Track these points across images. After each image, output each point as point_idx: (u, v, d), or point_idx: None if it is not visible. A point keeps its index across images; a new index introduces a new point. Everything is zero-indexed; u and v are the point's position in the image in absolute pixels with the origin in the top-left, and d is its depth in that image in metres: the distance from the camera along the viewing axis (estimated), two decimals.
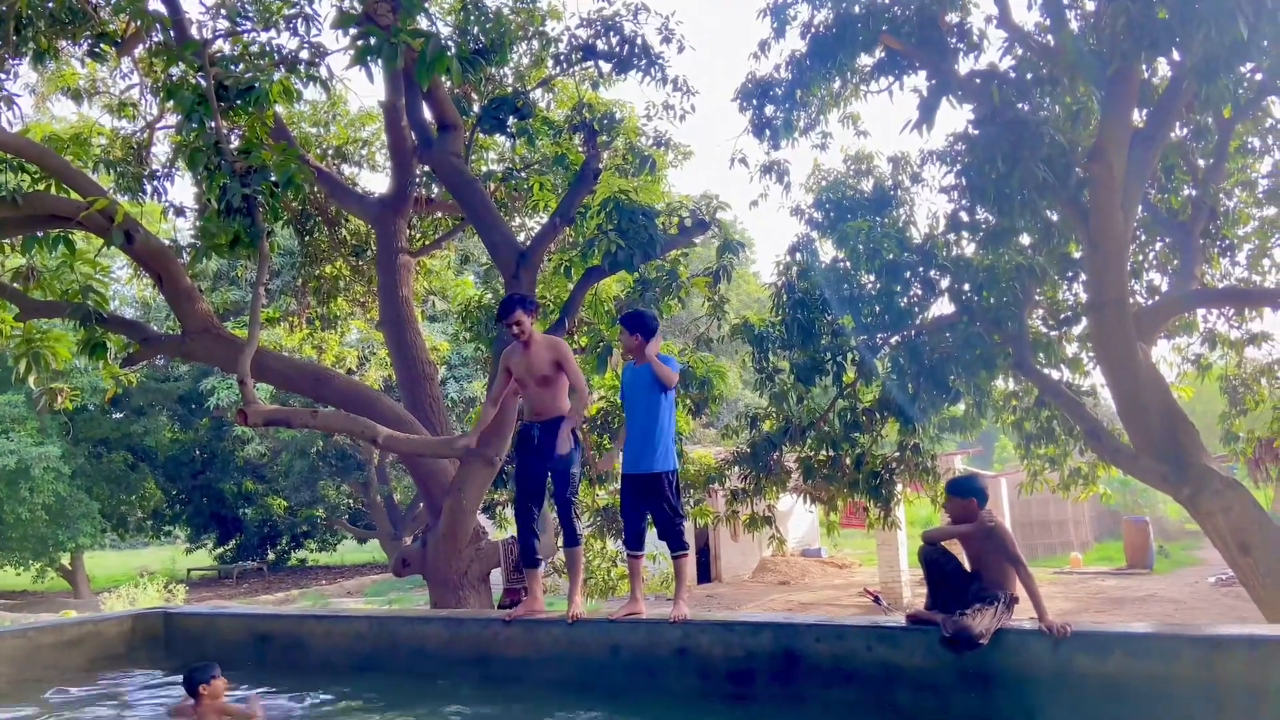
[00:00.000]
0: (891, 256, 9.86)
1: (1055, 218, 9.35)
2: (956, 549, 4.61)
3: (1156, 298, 10.91)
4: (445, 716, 4.99)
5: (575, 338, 9.36)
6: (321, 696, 5.45)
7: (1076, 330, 10.96)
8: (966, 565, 4.56)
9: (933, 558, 4.50)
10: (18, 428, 22.72)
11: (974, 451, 23.93)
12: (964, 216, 9.90)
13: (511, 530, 10.31)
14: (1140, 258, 11.17)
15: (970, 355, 9.76)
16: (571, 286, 8.00)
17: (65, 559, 26.54)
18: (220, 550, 34.30)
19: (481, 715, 5.01)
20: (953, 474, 13.57)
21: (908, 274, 10.28)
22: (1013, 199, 8.54)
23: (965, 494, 4.51)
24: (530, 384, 5.44)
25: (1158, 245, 11.26)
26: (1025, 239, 9.95)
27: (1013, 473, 22.97)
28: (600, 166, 7.27)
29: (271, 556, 34.42)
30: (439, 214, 10.76)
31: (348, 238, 11.66)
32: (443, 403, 9.10)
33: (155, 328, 10.45)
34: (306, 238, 11.67)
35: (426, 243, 10.97)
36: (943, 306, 11.86)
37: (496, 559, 8.03)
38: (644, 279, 8.48)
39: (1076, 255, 10.01)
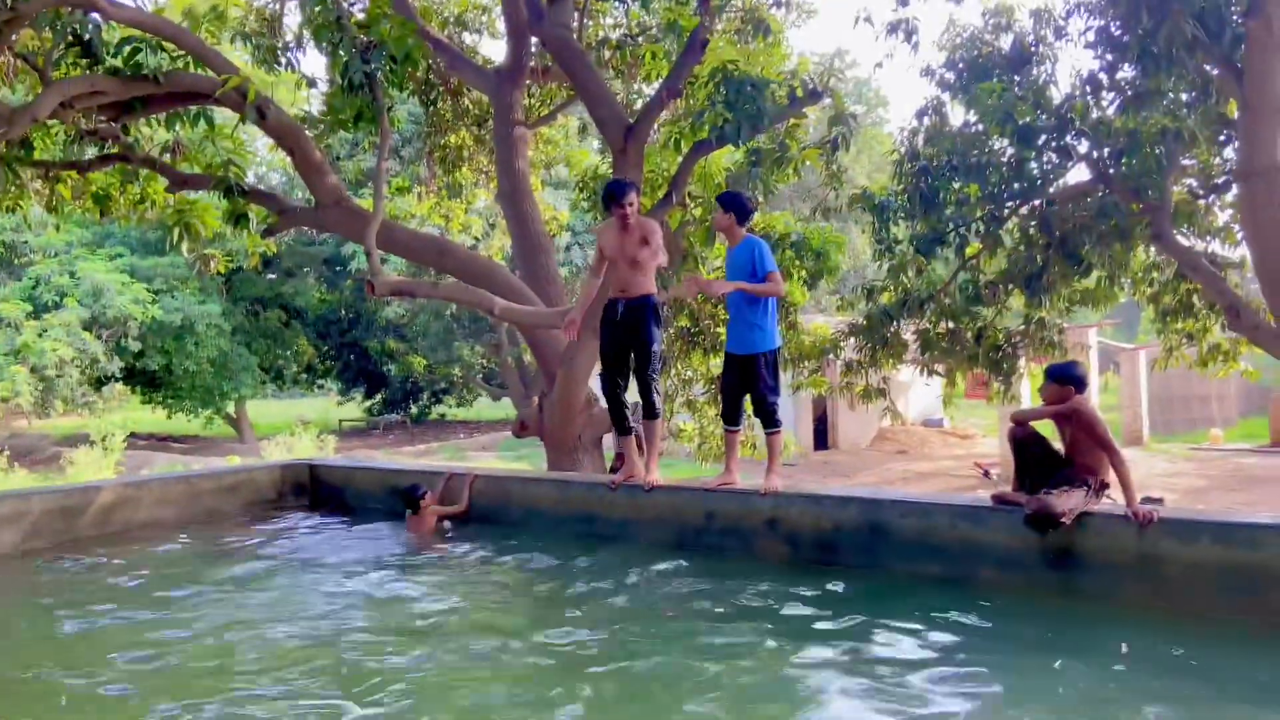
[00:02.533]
0: (1027, 120, 9.36)
1: (1214, 72, 8.64)
2: (1053, 434, 4.61)
3: None
4: (557, 561, 5.41)
5: (688, 210, 9.38)
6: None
7: (1229, 197, 10.24)
8: (1061, 450, 4.56)
9: (1021, 439, 4.52)
10: (181, 287, 24.53)
11: (1113, 323, 22.92)
12: (1104, 78, 9.23)
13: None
14: None
15: (1105, 225, 9.34)
16: (680, 160, 7.97)
17: (230, 408, 28.92)
18: (368, 403, 36.66)
19: (588, 561, 5.41)
20: (1082, 349, 13.17)
21: (1043, 139, 9.76)
22: (1159, 57, 7.94)
23: (1062, 380, 4.48)
24: (621, 263, 5.57)
25: None
26: (1177, 98, 9.25)
27: (1153, 346, 21.99)
28: (708, 36, 7.09)
29: (414, 411, 36.60)
30: (554, 85, 10.75)
31: (470, 107, 11.81)
32: (558, 274, 9.35)
33: (296, 199, 11.01)
34: (431, 107, 11.89)
35: (543, 114, 11.03)
36: (1079, 174, 11.26)
37: (608, 425, 8.36)
38: (755, 150, 8.35)
39: (1235, 116, 9.26)
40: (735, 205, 5.47)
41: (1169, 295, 10.92)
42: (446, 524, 6.40)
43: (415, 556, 5.76)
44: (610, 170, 8.88)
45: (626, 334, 5.55)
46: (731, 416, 5.71)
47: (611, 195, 5.47)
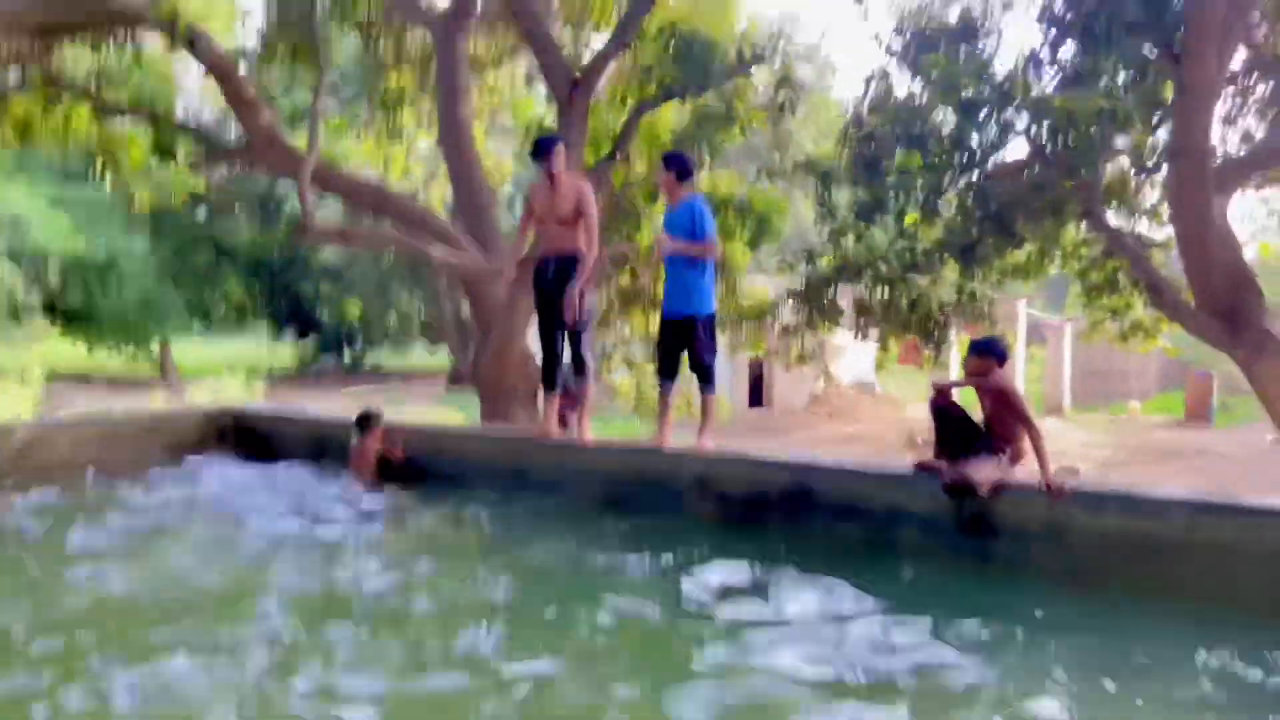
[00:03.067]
0: (970, 92, 9.47)
1: (1152, 54, 8.81)
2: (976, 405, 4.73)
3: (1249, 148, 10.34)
4: (490, 516, 5.42)
5: (632, 168, 9.32)
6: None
7: (1159, 178, 10.52)
8: (980, 421, 4.68)
9: (941, 407, 4.64)
10: (106, 220, 23.62)
11: (1041, 296, 23.50)
12: (1046, 55, 9.36)
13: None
14: (1237, 104, 10.50)
15: (1039, 201, 9.52)
16: (626, 116, 7.91)
17: (155, 347, 28.18)
18: (301, 344, 35.95)
19: (516, 515, 5.43)
20: (1011, 320, 13.50)
21: (984, 112, 9.88)
22: (1100, 37, 8.09)
23: (984, 353, 4.58)
24: (550, 222, 5.57)
25: (1260, 90, 10.56)
26: (1116, 79, 9.43)
27: (1079, 320, 22.61)
28: None
29: (348, 358, 36.00)
30: (502, 26, 10.53)
31: (413, 50, 11.52)
32: (497, 225, 9.25)
33: (228, 135, 10.66)
34: (372, 46, 11.56)
35: (489, 60, 10.81)
36: (1018, 150, 11.44)
37: None
38: (702, 109, 8.32)
39: (1170, 98, 9.48)
40: (677, 164, 5.46)
41: (1096, 272, 11.22)
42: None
43: (336, 507, 5.70)
44: (556, 122, 8.78)
45: (558, 291, 5.54)
46: (666, 371, 5.73)
47: (538, 151, 5.42)
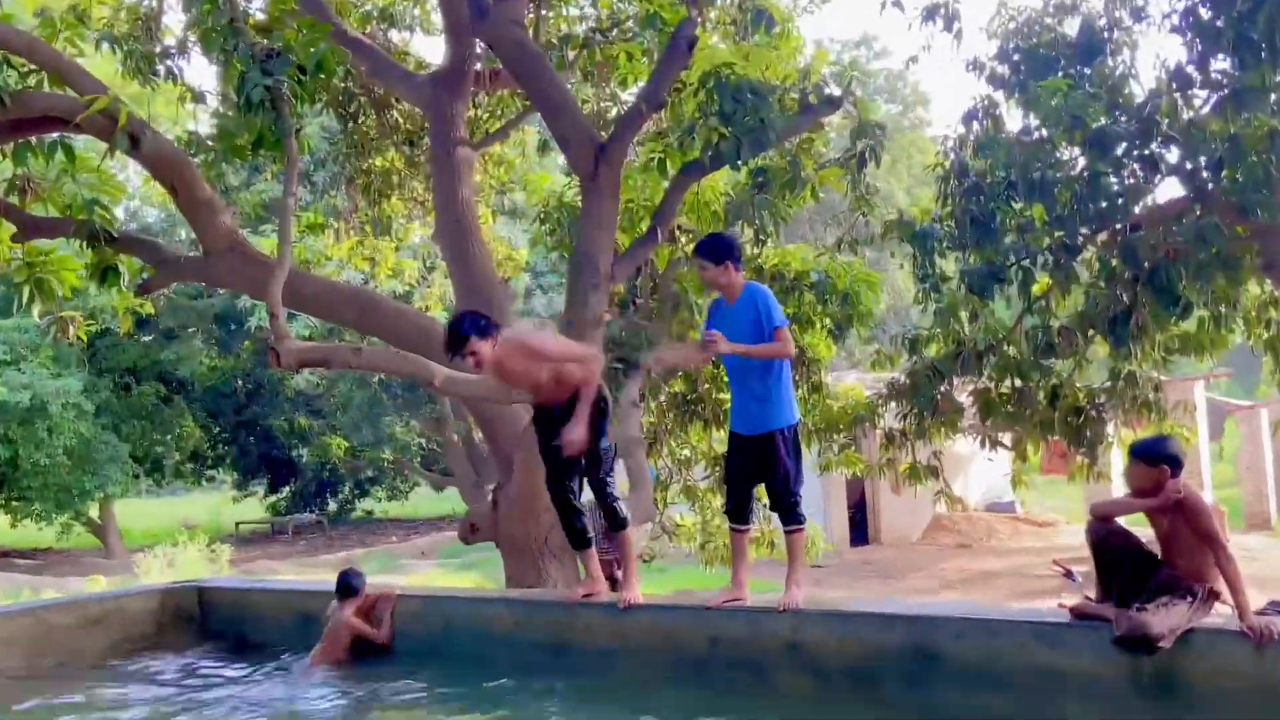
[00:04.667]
0: (1101, 123, 9.62)
1: None
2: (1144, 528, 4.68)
3: None
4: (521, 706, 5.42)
5: (677, 247, 9.53)
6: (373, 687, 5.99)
7: None
8: (1155, 548, 4.63)
9: (1102, 537, 4.60)
10: (31, 357, 24.48)
11: (1225, 374, 23.15)
12: (1194, 71, 9.51)
13: None
14: None
15: (1205, 253, 9.51)
16: (666, 185, 8.15)
17: (93, 511, 28.73)
18: (273, 499, 36.46)
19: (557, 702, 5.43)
20: (1186, 408, 13.35)
21: (1123, 147, 10.02)
22: (1260, 45, 8.22)
23: (1152, 460, 4.55)
24: (526, 389, 5.87)
25: None
26: None
27: (1277, 402, 22.21)
28: (696, 34, 7.31)
29: (333, 507, 36.42)
30: (506, 92, 10.99)
31: (401, 122, 12.03)
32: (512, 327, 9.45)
33: (179, 244, 11.10)
34: (350, 123, 12.11)
35: (492, 129, 11.24)
36: (1169, 191, 11.50)
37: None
38: (760, 170, 8.54)
39: None
40: (728, 251, 5.62)
41: None
42: None
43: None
44: (578, 198, 9.04)
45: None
46: (739, 513, 5.78)
47: (447, 344, 5.67)
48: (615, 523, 5.98)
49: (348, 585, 6.60)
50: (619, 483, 6.05)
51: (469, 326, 5.62)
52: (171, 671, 6.80)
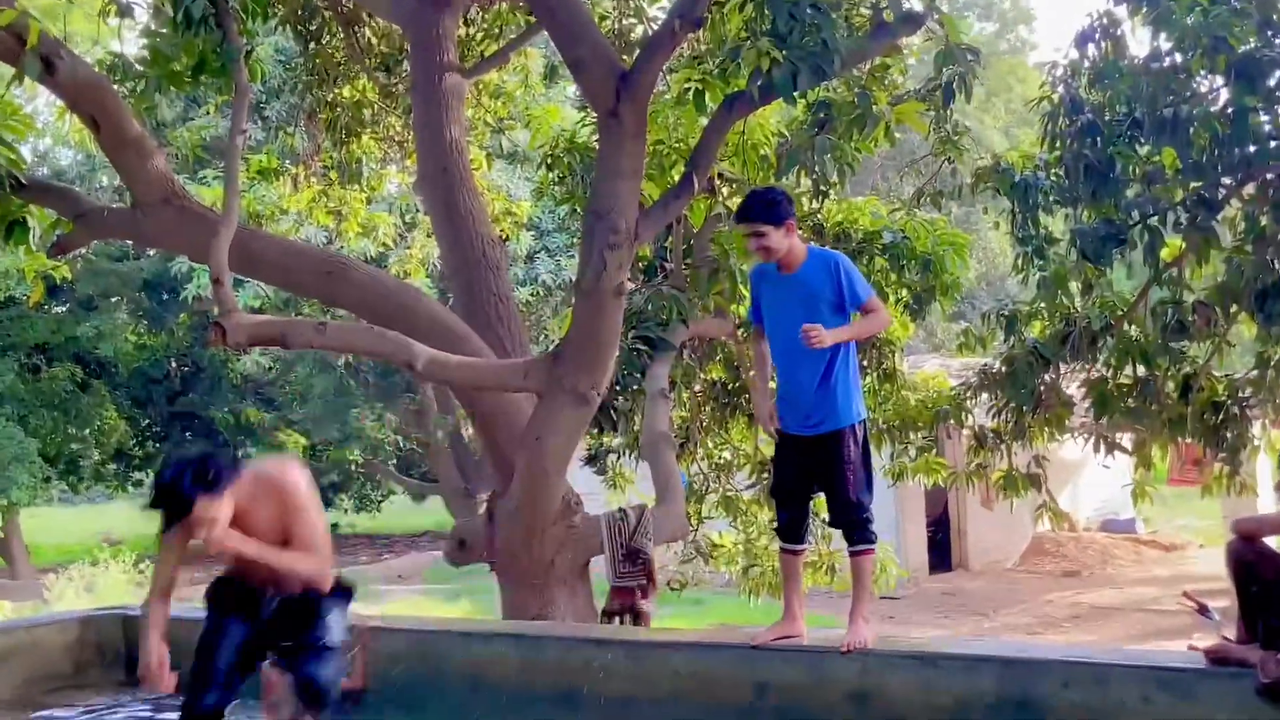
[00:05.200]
0: (1250, 47, 9.57)
1: None
2: None
3: None
4: None
5: (718, 199, 9.50)
6: None
7: None
8: None
9: (1250, 561, 4.59)
10: None
11: None
12: None
13: (622, 499, 10.74)
14: None
15: None
16: (705, 122, 8.12)
17: None
18: None
19: None
20: None
21: (1276, 76, 9.96)
22: None
23: None
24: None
25: None
26: None
27: None
28: None
29: None
30: (505, 5, 10.98)
31: (374, 42, 12.04)
32: (513, 302, 9.48)
33: (99, 194, 11.16)
34: (312, 44, 12.11)
35: (488, 52, 11.24)
36: None
37: (599, 542, 8.45)
38: (822, 104, 8.50)
39: None
40: (788, 209, 5.63)
41: None
42: None
43: None
44: (594, 138, 9.02)
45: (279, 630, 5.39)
46: (792, 531, 5.79)
47: (166, 510, 5.06)
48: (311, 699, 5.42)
49: None
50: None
51: (191, 484, 4.88)
52: None
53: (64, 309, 29.50)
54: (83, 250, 12.64)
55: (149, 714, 6.91)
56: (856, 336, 5.64)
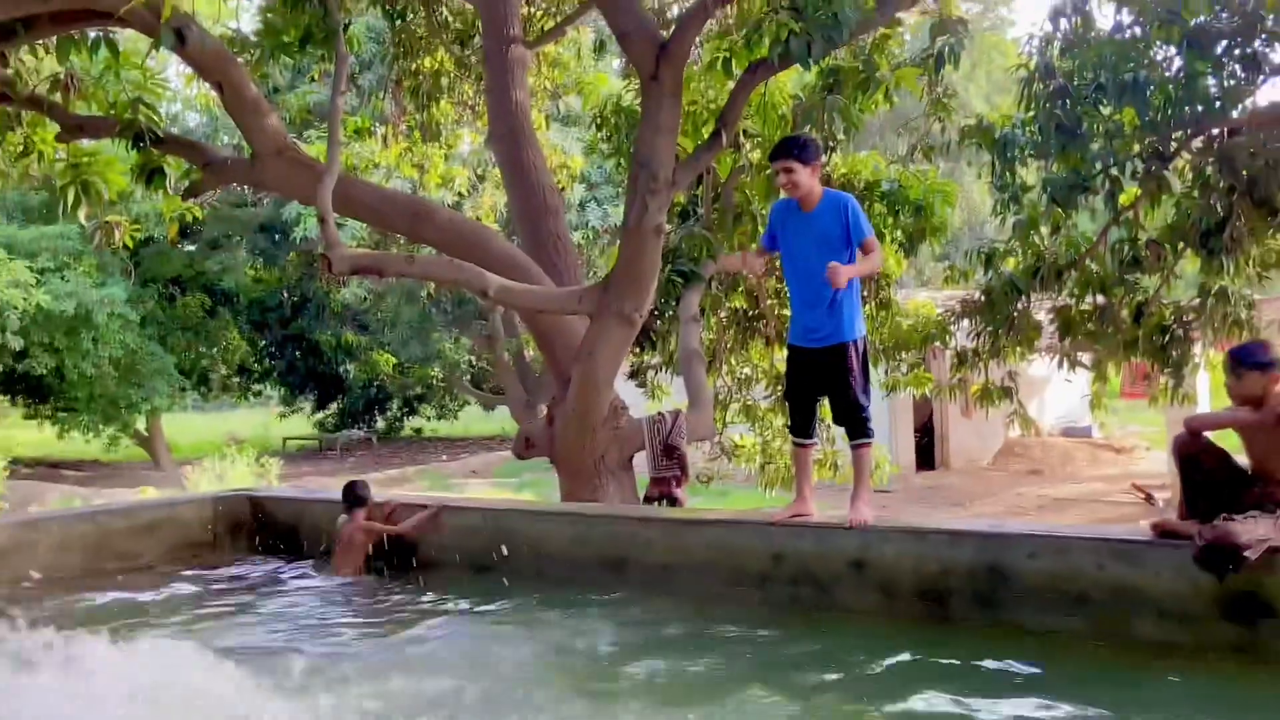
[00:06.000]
0: (1200, 19, 9.38)
1: None
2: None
3: None
4: (575, 629, 5.55)
5: (742, 153, 9.45)
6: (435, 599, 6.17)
7: None
8: (1246, 464, 4.62)
9: (1192, 454, 4.58)
10: (74, 265, 24.85)
11: None
12: None
13: (660, 406, 10.79)
14: None
15: None
16: (732, 86, 8.06)
17: (140, 424, 29.38)
18: (320, 415, 37.13)
19: (619, 623, 5.56)
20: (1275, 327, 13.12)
21: (1222, 45, 9.76)
22: None
23: (1254, 365, 4.53)
24: None
25: None
26: None
27: None
28: None
29: (381, 425, 37.06)
30: None
31: (450, 19, 11.97)
32: (570, 239, 9.49)
33: (223, 146, 11.19)
34: (398, 21, 12.06)
35: (548, 26, 11.16)
36: (1272, 93, 11.20)
37: (640, 441, 8.51)
38: (832, 70, 8.42)
39: None
40: (817, 152, 5.67)
41: None
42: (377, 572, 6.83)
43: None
44: (637, 101, 8.97)
45: None
46: (802, 427, 5.83)
47: None
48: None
49: (354, 494, 7.03)
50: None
51: None
52: (218, 579, 7.09)
53: (194, 247, 29.71)
54: (210, 195, 12.69)
55: (271, 573, 7.13)
56: (861, 274, 5.69)
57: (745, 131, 9.40)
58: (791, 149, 5.68)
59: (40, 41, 8.20)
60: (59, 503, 18.52)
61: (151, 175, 8.57)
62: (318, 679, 4.61)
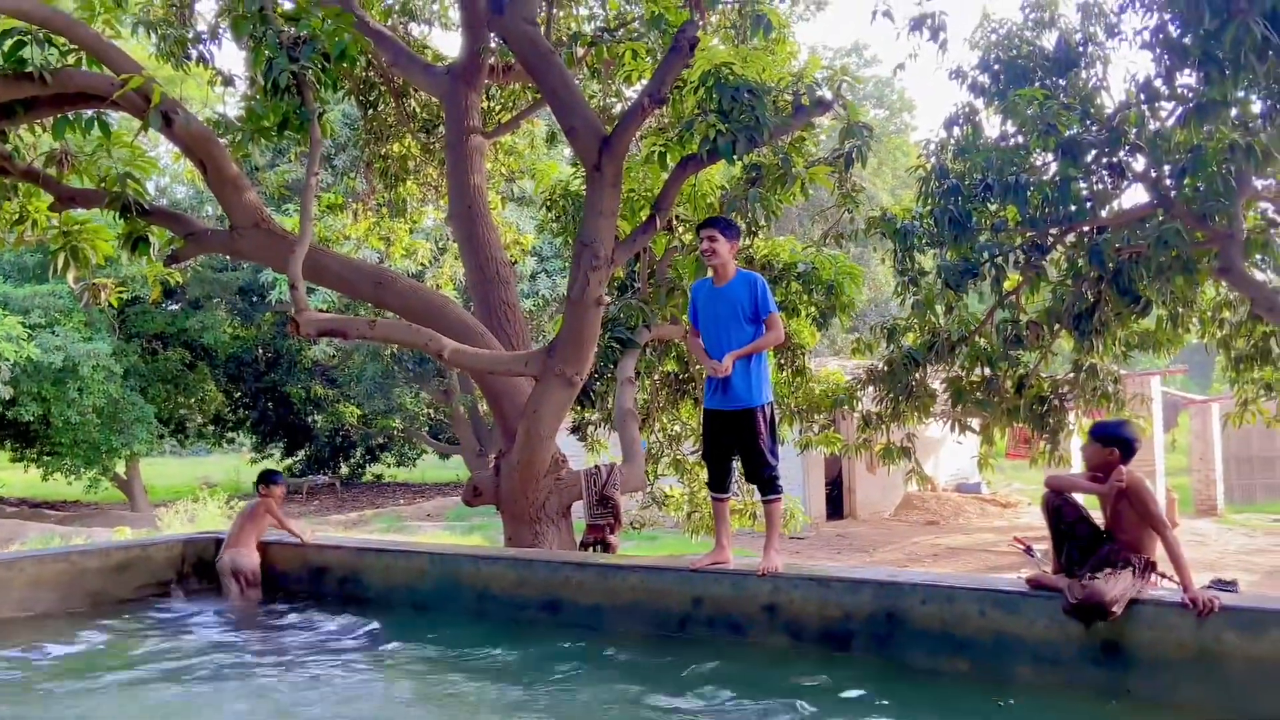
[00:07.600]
0: (1073, 132, 9.64)
1: None
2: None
3: None
4: (509, 664, 5.47)
5: (674, 235, 9.54)
6: (376, 638, 6.04)
7: None
8: (1101, 521, 4.70)
9: (1058, 507, 4.67)
10: (63, 321, 24.45)
11: (1180, 370, 23.25)
12: (1162, 85, 9.52)
13: (597, 459, 10.76)
14: None
15: (1166, 256, 9.57)
16: (666, 177, 8.15)
17: (120, 467, 28.72)
18: (289, 461, 36.48)
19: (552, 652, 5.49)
20: (1143, 401, 13.39)
21: (1092, 154, 10.05)
22: (1225, 62, 8.23)
23: (1107, 440, 4.62)
24: None
25: None
26: (1247, 110, 9.54)
27: (1227, 397, 22.28)
28: (697, 35, 7.28)
29: (345, 470, 36.48)
30: (518, 85, 10.97)
31: (418, 111, 12.01)
32: (519, 309, 9.48)
33: (206, 220, 11.09)
34: (370, 110, 12.08)
35: (504, 119, 11.23)
36: (1135, 196, 11.54)
37: (579, 491, 8.47)
38: (754, 166, 8.55)
39: None
40: (739, 232, 5.71)
41: (1242, 339, 11.18)
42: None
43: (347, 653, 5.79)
44: (583, 187, 9.02)
45: None
46: (719, 482, 5.84)
47: None
48: None
49: (270, 478, 7.59)
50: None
51: None
52: (178, 614, 6.92)
53: (177, 307, 29.31)
54: (191, 262, 12.53)
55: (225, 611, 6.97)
56: (756, 350, 5.61)
57: (678, 216, 9.51)
58: (718, 222, 5.86)
59: (39, 121, 8.08)
60: (38, 540, 17.99)
61: (136, 243, 8.44)
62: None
